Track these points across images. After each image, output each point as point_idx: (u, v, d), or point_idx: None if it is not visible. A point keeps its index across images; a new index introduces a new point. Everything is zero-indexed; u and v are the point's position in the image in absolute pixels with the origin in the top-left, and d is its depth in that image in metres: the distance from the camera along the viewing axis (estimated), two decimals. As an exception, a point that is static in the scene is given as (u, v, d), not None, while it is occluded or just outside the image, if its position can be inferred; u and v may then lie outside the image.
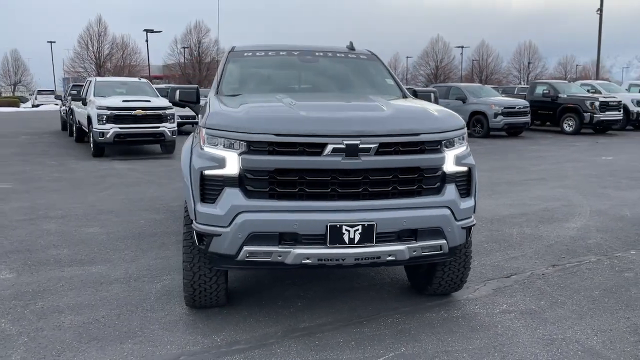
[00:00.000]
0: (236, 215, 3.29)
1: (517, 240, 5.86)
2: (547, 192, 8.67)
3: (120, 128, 12.68)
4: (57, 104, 35.23)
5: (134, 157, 13.40)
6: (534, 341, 3.51)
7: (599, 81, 25.41)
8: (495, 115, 17.65)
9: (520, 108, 18.05)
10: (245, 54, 4.92)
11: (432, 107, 3.84)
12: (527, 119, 18.35)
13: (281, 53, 4.99)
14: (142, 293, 4.30)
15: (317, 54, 5.06)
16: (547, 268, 4.97)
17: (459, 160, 3.57)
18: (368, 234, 3.31)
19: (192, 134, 6.40)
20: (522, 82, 67.73)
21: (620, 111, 19.51)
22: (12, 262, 5.06)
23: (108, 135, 12.62)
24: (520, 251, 5.49)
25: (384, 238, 3.36)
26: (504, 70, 75.16)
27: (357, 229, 3.29)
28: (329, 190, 3.33)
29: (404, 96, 4.73)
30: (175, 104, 4.73)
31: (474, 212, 3.70)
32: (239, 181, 3.33)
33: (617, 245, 5.69)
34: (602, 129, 20.00)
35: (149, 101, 13.30)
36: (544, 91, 20.00)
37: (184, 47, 59.49)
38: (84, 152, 14.04)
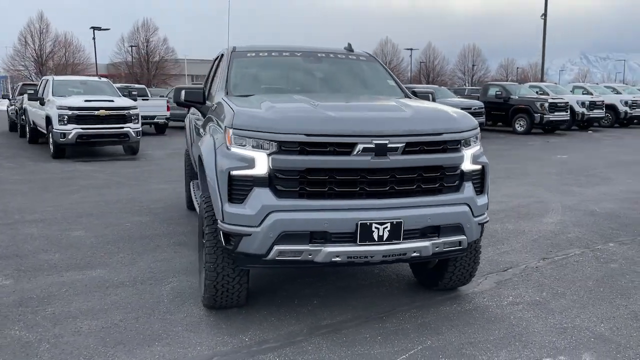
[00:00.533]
0: (267, 215, 3.32)
1: (503, 236, 6.10)
2: (516, 190, 9.04)
3: (82, 129, 12.30)
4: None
5: (97, 158, 13.02)
6: (547, 330, 3.69)
7: (545, 83, 26.54)
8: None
9: (476, 109, 18.64)
10: (248, 54, 4.93)
11: (447, 108, 3.98)
12: (483, 119, 18.97)
13: (284, 54, 5.02)
14: (153, 296, 4.24)
15: (319, 55, 5.12)
16: (538, 261, 5.21)
17: (475, 159, 3.72)
18: (396, 232, 3.40)
19: (190, 132, 6.32)
20: (467, 84, 69.69)
21: (567, 112, 20.45)
22: (3, 268, 4.87)
23: (70, 136, 12.21)
24: (509, 246, 5.72)
25: (410, 235, 3.46)
26: (449, 72, 77.16)
27: (386, 227, 3.38)
28: (358, 189, 3.41)
29: (407, 96, 4.86)
30: (179, 104, 4.68)
31: (487, 208, 3.86)
32: (269, 181, 3.35)
33: (595, 239, 6.02)
34: (551, 129, 20.92)
35: (112, 101, 12.96)
36: (497, 92, 20.74)
37: (131, 46, 57.99)
38: (40, 153, 13.53)
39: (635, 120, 25.00)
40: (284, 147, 3.33)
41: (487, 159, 3.85)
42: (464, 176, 3.67)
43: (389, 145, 3.38)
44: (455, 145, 3.61)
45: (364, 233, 3.35)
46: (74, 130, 12.22)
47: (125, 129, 12.75)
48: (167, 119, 20.13)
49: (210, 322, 3.77)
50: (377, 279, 4.71)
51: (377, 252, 3.42)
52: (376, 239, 3.38)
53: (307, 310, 4.00)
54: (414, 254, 3.52)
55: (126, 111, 12.82)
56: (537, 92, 22.74)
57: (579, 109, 21.63)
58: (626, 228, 6.48)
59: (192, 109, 6.77)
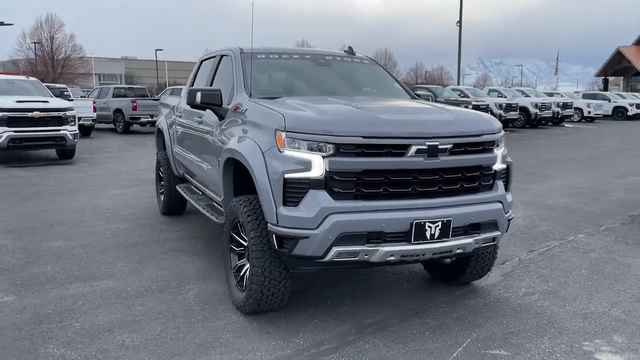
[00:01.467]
0: (325, 217, 3.34)
1: (485, 231, 6.43)
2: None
3: (15, 132, 11.46)
4: None
5: (31, 163, 12.20)
6: (571, 317, 3.98)
7: (465, 86, 27.95)
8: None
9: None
10: (259, 57, 4.87)
11: (477, 112, 4.17)
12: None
13: (294, 56, 5.02)
14: (180, 304, 4.10)
15: (327, 57, 5.17)
16: (527, 254, 5.56)
17: (503, 159, 3.95)
18: (446, 230, 3.54)
19: (171, 135, 6.10)
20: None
21: (488, 113, 21.67)
22: (-4, 283, 4.51)
23: (1, 140, 11.35)
24: (495, 240, 6.05)
25: (456, 232, 3.61)
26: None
27: (438, 225, 3.51)
28: (410, 189, 3.51)
29: (413, 98, 5.02)
30: (193, 106, 4.55)
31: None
32: (324, 183, 3.37)
33: (565, 231, 6.50)
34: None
35: (47, 102, 12.17)
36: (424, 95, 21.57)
37: (34, 42, 54.34)
38: (-37, 159, 12.46)
39: (543, 122, 26.92)
40: (341, 150, 3.36)
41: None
42: (495, 175, 3.88)
43: (439, 147, 3.51)
44: (491, 146, 3.81)
45: (418, 232, 3.46)
46: (5, 133, 11.36)
47: (62, 132, 12.03)
48: (93, 120, 19.18)
49: (255, 328, 3.72)
50: (393, 277, 4.83)
51: (428, 250, 3.54)
52: (428, 237, 3.50)
53: (344, 310, 4.04)
54: (458, 251, 3.68)
55: (62, 113, 12.11)
56: (458, 95, 23.92)
57: (496, 111, 22.97)
58: (586, 220, 7.04)
59: (168, 110, 6.59)
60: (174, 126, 6.34)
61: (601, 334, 3.69)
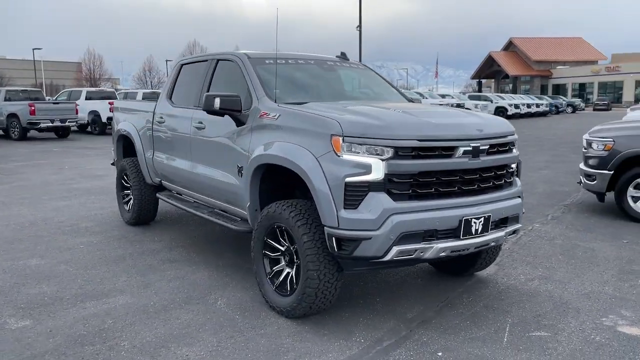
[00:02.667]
0: (387, 218, 3.48)
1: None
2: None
3: None
4: None
5: None
6: (577, 297, 4.44)
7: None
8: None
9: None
10: (267, 62, 4.85)
11: (496, 116, 4.51)
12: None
13: (299, 62, 5.06)
14: (218, 314, 4.03)
15: (329, 63, 5.26)
16: (503, 245, 6.04)
17: (517, 158, 4.32)
18: (486, 224, 3.82)
19: (149, 141, 5.81)
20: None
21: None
22: (-4, 308, 4.12)
23: None
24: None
25: (493, 227, 3.91)
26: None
27: (481, 221, 3.78)
28: (456, 188, 3.75)
29: (410, 101, 5.28)
30: (210, 112, 4.46)
31: (520, 199, 4.48)
32: (384, 185, 3.51)
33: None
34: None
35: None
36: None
37: None
38: None
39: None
40: (400, 153, 3.52)
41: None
42: (513, 172, 4.24)
43: (480, 148, 3.78)
44: (513, 146, 4.16)
45: (466, 228, 3.71)
46: None
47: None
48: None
49: (309, 331, 3.76)
50: (404, 273, 5.03)
51: (472, 244, 3.79)
52: (473, 232, 3.76)
53: (379, 307, 4.20)
54: (492, 243, 3.99)
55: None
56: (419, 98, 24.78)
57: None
58: (532, 211, 7.72)
59: (138, 115, 6.34)
60: (150, 132, 6.09)
61: (610, 310, 4.16)
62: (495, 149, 3.95)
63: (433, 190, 3.66)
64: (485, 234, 3.84)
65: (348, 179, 3.47)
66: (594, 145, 7.46)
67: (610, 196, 7.53)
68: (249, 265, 5.04)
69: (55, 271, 4.99)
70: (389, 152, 3.50)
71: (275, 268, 4.11)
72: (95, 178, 10.74)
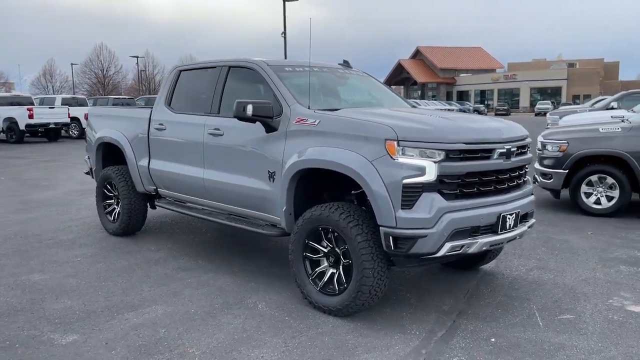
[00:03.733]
0: (441, 216, 3.74)
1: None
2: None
3: None
4: None
5: None
6: (578, 283, 4.92)
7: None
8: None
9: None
10: (287, 69, 4.96)
11: (511, 121, 4.90)
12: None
13: (314, 69, 5.20)
14: (266, 317, 4.10)
15: (340, 71, 5.44)
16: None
17: (531, 159, 4.74)
18: (516, 220, 4.19)
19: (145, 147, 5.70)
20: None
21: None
22: (23, 325, 3.94)
23: None
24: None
25: (520, 222, 4.28)
26: (168, 81, 76.81)
27: (513, 216, 4.14)
28: (492, 187, 4.09)
29: (412, 106, 5.60)
30: (242, 119, 4.51)
31: (527, 197, 4.91)
32: (436, 186, 3.78)
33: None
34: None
35: None
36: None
37: None
38: None
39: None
40: (450, 155, 3.80)
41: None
42: (526, 172, 4.66)
43: (511, 149, 4.15)
44: (529, 148, 4.56)
45: (502, 223, 4.05)
46: None
47: None
48: None
49: (365, 327, 3.93)
50: (416, 270, 5.31)
51: (505, 238, 4.14)
52: (507, 227, 4.11)
53: (414, 302, 4.44)
54: (518, 237, 4.36)
55: None
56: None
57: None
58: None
59: (127, 122, 6.21)
60: (144, 139, 5.97)
61: (612, 293, 4.67)
62: (519, 151, 4.33)
63: (475, 189, 3.97)
64: (515, 228, 4.21)
65: (405, 181, 3.69)
66: (549, 147, 8.17)
67: (564, 193, 8.27)
68: (266, 269, 5.20)
69: (67, 285, 4.80)
70: (441, 155, 3.76)
71: (319, 269, 4.24)
72: (44, 188, 10.19)
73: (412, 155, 3.74)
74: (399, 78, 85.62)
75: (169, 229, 6.93)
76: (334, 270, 4.17)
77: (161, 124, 5.75)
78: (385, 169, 3.75)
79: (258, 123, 4.59)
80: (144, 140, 6.00)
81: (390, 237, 3.74)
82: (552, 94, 70.13)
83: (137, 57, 65.62)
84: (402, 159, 3.73)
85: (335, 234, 4.08)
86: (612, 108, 15.66)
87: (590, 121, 10.48)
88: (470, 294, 4.67)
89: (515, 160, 4.23)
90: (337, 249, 4.12)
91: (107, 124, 6.65)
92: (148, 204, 6.43)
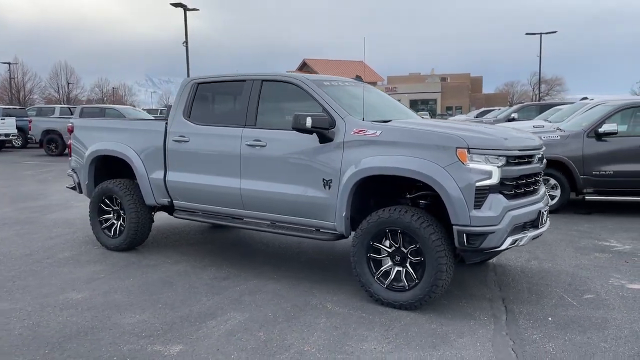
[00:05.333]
0: (505, 214, 4.30)
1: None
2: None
3: None
4: None
5: None
6: (572, 269, 5.71)
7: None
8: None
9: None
10: (325, 83, 5.26)
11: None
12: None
13: (345, 84, 5.54)
14: (344, 315, 4.38)
15: (360, 85, 5.81)
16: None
17: (540, 163, 5.47)
18: (545, 216, 4.86)
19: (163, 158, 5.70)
20: (63, 102, 66.14)
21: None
22: (122, 341, 3.90)
23: None
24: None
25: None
26: (42, 89, 71.78)
27: (545, 212, 4.81)
28: (531, 188, 4.73)
29: (423, 118, 6.13)
30: (301, 130, 4.74)
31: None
32: (498, 188, 4.33)
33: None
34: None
35: None
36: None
37: None
38: None
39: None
40: (509, 160, 4.37)
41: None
42: (539, 177, 5.38)
43: (541, 155, 4.82)
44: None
45: (541, 219, 4.70)
46: None
47: None
48: None
49: (439, 317, 4.36)
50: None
51: (540, 233, 4.79)
52: (542, 222, 4.76)
53: (457, 292, 4.94)
54: (545, 231, 5.04)
55: None
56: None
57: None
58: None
59: (138, 135, 6.15)
60: (159, 152, 5.92)
61: (606, 275, 5.49)
62: (542, 156, 5.02)
63: (522, 190, 4.58)
64: (545, 223, 4.88)
65: (478, 184, 4.20)
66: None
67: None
68: (300, 274, 5.48)
69: (118, 301, 4.71)
70: (502, 160, 4.32)
71: (383, 268, 4.60)
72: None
73: (479, 161, 4.26)
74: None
75: (164, 242, 6.85)
76: (399, 269, 4.56)
77: (182, 136, 5.77)
78: (459, 174, 4.23)
79: (306, 134, 4.86)
80: (157, 152, 5.96)
81: (464, 235, 4.21)
82: (428, 104, 75.36)
83: (9, 63, 60.42)
84: (472, 165, 4.23)
85: (404, 234, 4.47)
86: (514, 119, 17.48)
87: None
88: (496, 284, 5.26)
89: (543, 164, 4.91)
90: (403, 249, 4.51)
91: (105, 136, 6.47)
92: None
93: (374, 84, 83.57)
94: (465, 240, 4.23)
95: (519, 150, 4.49)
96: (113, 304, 4.64)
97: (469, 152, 4.25)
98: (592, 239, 7.01)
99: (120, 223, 6.40)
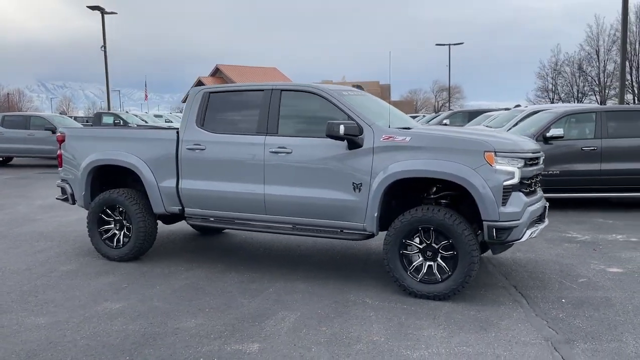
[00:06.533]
0: (525, 209, 4.86)
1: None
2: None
3: None
4: None
5: None
6: (554, 257, 6.41)
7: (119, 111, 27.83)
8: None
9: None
10: (344, 93, 5.59)
11: None
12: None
13: (357, 93, 5.88)
14: (388, 309, 4.74)
15: (364, 93, 6.17)
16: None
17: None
18: (547, 212, 5.49)
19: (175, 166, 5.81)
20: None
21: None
22: (195, 344, 4.02)
23: None
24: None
25: (543, 213, 5.61)
26: None
27: (546, 209, 5.44)
28: (538, 186, 5.34)
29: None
30: (334, 137, 5.05)
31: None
32: (518, 186, 4.88)
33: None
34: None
35: None
36: (115, 121, 21.23)
37: None
38: None
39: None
40: (527, 162, 4.94)
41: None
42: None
43: (543, 158, 5.45)
44: (540, 158, 5.92)
45: (544, 215, 5.31)
46: None
47: None
48: None
49: (471, 304, 4.83)
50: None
51: (545, 226, 5.40)
52: (545, 217, 5.39)
53: (472, 282, 5.45)
54: (544, 227, 5.67)
55: None
56: (117, 122, 23.12)
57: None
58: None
59: (145, 144, 6.16)
60: (170, 160, 5.97)
61: (584, 262, 6.21)
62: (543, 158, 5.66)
63: (533, 188, 5.17)
64: (546, 218, 5.51)
65: (505, 183, 4.72)
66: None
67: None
68: (320, 273, 5.77)
69: (159, 308, 4.78)
70: (521, 162, 4.88)
71: (415, 264, 5.01)
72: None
73: (504, 163, 4.79)
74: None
75: (162, 250, 6.85)
76: (430, 263, 4.98)
77: (198, 144, 5.86)
78: (488, 175, 4.72)
79: (333, 140, 5.19)
80: (168, 161, 6.01)
81: (494, 229, 4.72)
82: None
83: None
84: (499, 167, 4.75)
85: (436, 231, 4.90)
86: (446, 125, 18.61)
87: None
88: (501, 274, 5.83)
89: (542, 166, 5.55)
90: (434, 244, 4.94)
91: (105, 146, 6.39)
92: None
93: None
94: (494, 234, 4.73)
95: (532, 152, 5.08)
96: (158, 311, 4.69)
97: (496, 155, 4.76)
98: (555, 232, 7.81)
99: (124, 233, 6.34)
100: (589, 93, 51.85)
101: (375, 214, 5.09)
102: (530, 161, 5.04)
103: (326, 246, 6.95)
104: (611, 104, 39.42)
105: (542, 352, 3.87)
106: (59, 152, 6.80)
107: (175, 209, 6.10)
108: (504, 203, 4.74)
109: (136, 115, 24.68)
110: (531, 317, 4.56)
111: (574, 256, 6.49)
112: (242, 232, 7.75)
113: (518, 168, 4.84)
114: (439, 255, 4.95)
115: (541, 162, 5.36)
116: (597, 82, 50.18)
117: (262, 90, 5.78)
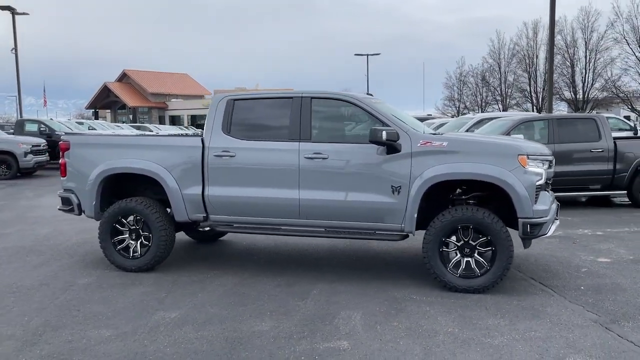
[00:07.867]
0: (551, 206, 5.39)
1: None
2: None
3: None
4: None
5: None
6: (549, 251, 7.04)
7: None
8: (26, 154, 16.78)
9: (43, 146, 17.82)
10: (373, 101, 5.85)
11: None
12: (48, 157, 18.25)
13: (378, 100, 6.15)
14: (441, 303, 5.05)
15: (382, 100, 6.45)
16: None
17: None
18: (559, 209, 6.07)
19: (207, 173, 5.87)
20: None
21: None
22: (273, 346, 4.11)
23: None
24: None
25: (554, 211, 6.19)
26: None
27: (558, 207, 6.01)
28: (551, 186, 5.90)
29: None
30: (377, 142, 5.30)
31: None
32: (544, 186, 5.40)
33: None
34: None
35: None
36: (41, 129, 20.05)
37: None
38: None
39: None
40: (550, 164, 5.47)
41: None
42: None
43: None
44: (547, 162, 6.48)
45: (557, 212, 5.88)
46: None
47: None
48: None
49: (508, 295, 5.25)
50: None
51: (559, 222, 5.96)
52: (557, 215, 5.96)
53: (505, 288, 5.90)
54: (556, 222, 6.24)
55: None
56: (42, 130, 21.73)
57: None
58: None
59: (167, 152, 6.11)
60: (195, 167, 5.94)
61: (575, 255, 6.90)
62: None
63: (550, 187, 5.72)
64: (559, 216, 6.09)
65: (537, 183, 5.21)
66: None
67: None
68: (354, 275, 5.99)
69: (219, 314, 4.79)
70: (546, 165, 5.40)
71: (453, 260, 5.37)
72: None
73: (533, 165, 5.28)
74: (106, 101, 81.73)
75: (173, 257, 6.75)
76: (468, 259, 5.36)
77: (226, 151, 5.87)
78: (522, 176, 5.18)
79: (367, 146, 5.47)
80: (193, 168, 5.96)
81: (528, 225, 5.19)
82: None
83: None
84: (530, 169, 5.23)
85: (474, 229, 5.28)
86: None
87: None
88: (513, 267, 6.31)
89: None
90: (471, 242, 5.33)
91: (119, 154, 6.21)
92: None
93: (201, 97, 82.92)
94: (529, 229, 5.20)
95: (551, 156, 5.62)
96: (219, 317, 4.70)
97: (528, 158, 5.23)
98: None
99: (141, 242, 6.20)
100: (492, 102, 55.43)
101: (415, 215, 5.39)
102: (550, 163, 5.57)
103: (331, 247, 7.15)
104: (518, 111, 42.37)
105: (599, 332, 4.35)
106: (61, 160, 6.51)
107: (200, 216, 6.06)
108: (535, 201, 5.22)
109: (62, 123, 23.20)
110: (567, 303, 5.06)
111: (560, 249, 7.15)
112: (240, 240, 7.78)
113: (544, 170, 5.35)
114: (476, 251, 5.34)
115: (554, 164, 5.93)
116: (499, 92, 53.76)
117: (291, 97, 5.90)
